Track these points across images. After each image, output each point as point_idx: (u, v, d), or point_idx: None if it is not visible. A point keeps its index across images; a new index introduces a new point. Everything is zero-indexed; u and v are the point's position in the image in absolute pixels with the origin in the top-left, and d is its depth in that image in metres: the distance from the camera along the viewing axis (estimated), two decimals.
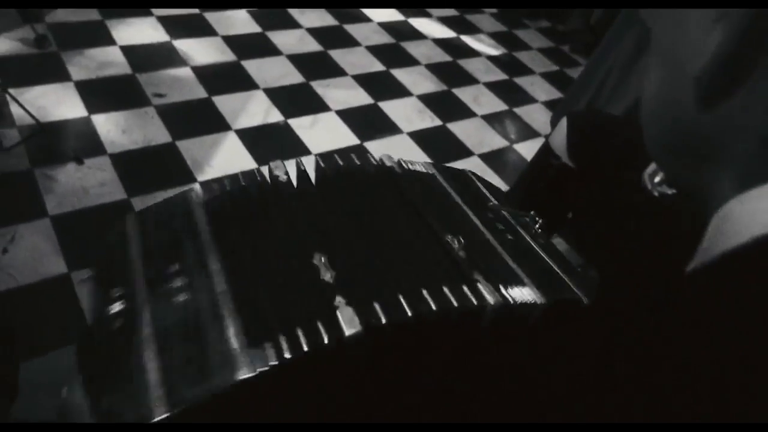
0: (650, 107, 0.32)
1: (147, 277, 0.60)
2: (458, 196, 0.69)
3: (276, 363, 0.44)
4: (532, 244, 0.65)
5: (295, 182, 0.67)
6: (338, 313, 0.46)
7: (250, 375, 0.43)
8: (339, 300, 0.47)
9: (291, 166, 0.70)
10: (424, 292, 0.48)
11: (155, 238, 0.65)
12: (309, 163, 0.72)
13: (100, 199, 1.81)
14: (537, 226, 0.73)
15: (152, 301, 0.57)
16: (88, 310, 0.81)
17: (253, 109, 2.34)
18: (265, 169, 0.71)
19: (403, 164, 0.76)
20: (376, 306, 0.47)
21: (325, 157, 0.73)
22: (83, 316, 1.51)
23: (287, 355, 0.44)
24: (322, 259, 0.51)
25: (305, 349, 0.45)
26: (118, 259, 0.64)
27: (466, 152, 2.49)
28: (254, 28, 2.88)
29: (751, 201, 0.28)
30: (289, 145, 2.22)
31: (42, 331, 1.44)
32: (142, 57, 2.45)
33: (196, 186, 0.71)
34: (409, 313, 0.47)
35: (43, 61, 2.27)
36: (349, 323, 0.45)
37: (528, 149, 2.63)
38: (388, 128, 2.47)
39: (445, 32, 3.43)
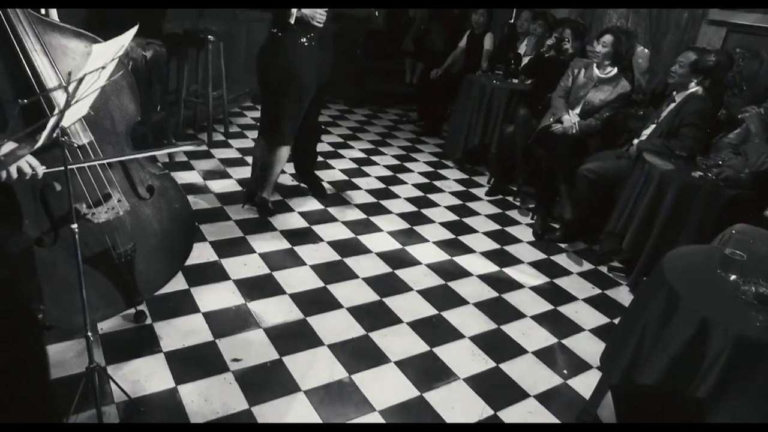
0: None
1: None
2: None
3: None
4: None
5: None
6: None
7: None
8: None
9: None
10: None
11: None
12: None
13: None
14: None
15: None
16: None
17: (319, 366, 2.56)
18: None
19: None
20: None
21: None
22: None
23: None
24: None
25: None
26: None
27: (522, 394, 2.58)
28: (317, 282, 3.24)
29: None
30: (354, 402, 2.38)
31: None
32: (222, 322, 2.77)
33: None
34: None
35: (139, 335, 2.60)
36: None
37: (582, 384, 2.69)
38: (445, 375, 2.62)
39: (489, 266, 3.73)
